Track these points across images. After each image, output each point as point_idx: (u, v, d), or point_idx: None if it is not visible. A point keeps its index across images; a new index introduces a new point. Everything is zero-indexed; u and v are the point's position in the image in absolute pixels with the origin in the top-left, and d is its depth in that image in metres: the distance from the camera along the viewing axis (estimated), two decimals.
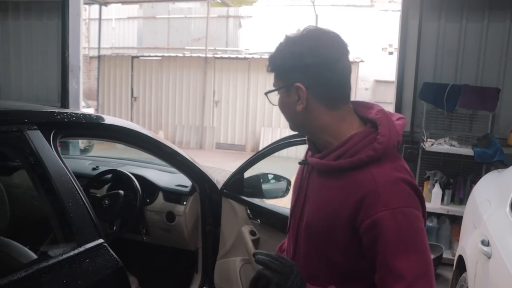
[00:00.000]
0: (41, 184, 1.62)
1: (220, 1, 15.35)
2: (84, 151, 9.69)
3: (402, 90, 5.20)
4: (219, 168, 4.78)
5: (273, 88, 1.34)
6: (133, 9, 18.49)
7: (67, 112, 1.88)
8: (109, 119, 2.14)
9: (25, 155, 1.60)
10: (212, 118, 12.83)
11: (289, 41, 1.28)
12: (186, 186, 2.85)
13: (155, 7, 18.40)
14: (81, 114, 1.98)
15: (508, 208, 2.38)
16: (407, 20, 5.16)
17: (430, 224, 4.81)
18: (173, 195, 2.82)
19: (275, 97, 1.36)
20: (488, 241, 2.36)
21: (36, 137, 1.64)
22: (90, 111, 11.10)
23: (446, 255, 4.56)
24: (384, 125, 1.24)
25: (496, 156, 4.37)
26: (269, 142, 10.61)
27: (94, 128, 2.06)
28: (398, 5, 14.38)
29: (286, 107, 1.33)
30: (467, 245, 2.79)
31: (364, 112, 1.34)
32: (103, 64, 13.97)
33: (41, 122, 1.71)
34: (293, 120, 1.34)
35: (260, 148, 10.71)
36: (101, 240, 1.71)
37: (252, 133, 12.44)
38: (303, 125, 1.33)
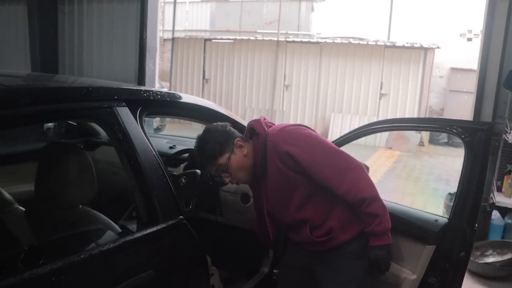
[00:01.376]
0: (127, 160, 1.68)
1: None
2: (157, 130, 10.01)
3: (485, 78, 4.90)
4: None
5: (223, 164, 2.07)
6: None
7: (153, 90, 1.94)
8: (191, 98, 2.18)
9: (114, 130, 1.66)
10: (282, 102, 12.81)
11: (204, 138, 2.05)
12: None
13: None
14: (166, 92, 2.03)
15: None
16: (494, 3, 4.85)
17: (509, 221, 4.55)
18: None
19: None
20: None
21: (125, 114, 1.69)
22: None
23: None
24: (254, 124, 2.09)
25: None
26: (339, 128, 10.50)
27: (178, 107, 2.10)
28: None
29: (239, 163, 2.08)
30: None
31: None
32: (176, 46, 14.29)
33: (129, 99, 1.77)
34: (245, 167, 2.08)
35: (329, 134, 10.59)
36: (181, 217, 1.75)
37: (322, 118, 12.31)
38: (251, 164, 2.12)
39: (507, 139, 4.42)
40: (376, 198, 1.92)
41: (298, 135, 1.99)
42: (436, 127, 2.49)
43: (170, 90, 14.20)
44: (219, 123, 2.03)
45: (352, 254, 2.04)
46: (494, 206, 4.51)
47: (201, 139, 1.99)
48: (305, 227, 2.03)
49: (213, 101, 13.48)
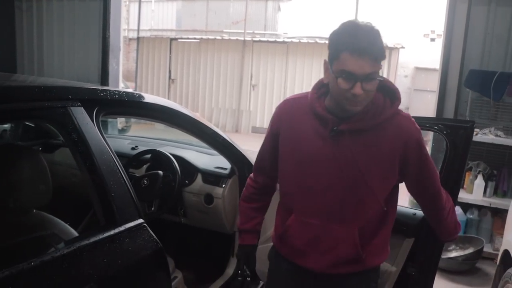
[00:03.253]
0: (83, 161, 1.62)
1: None
2: (122, 131, 9.84)
3: (447, 77, 5.00)
4: (256, 152, 4.75)
5: (376, 73, 1.52)
6: None
7: (110, 90, 1.88)
8: (151, 98, 2.13)
9: (69, 131, 1.60)
10: (248, 102, 12.80)
11: (381, 35, 1.52)
12: (225, 169, 2.82)
13: None
14: (124, 92, 1.97)
15: None
16: (454, 4, 4.94)
17: (471, 216, 4.66)
18: (212, 177, 2.79)
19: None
20: None
21: (80, 114, 1.63)
22: None
23: (487, 248, 4.42)
24: (394, 87, 1.70)
25: None
26: None
27: (137, 107, 2.04)
28: None
29: (375, 89, 1.57)
30: None
31: None
32: (142, 46, 14.10)
33: (85, 98, 1.70)
34: (370, 98, 1.57)
35: None
36: (141, 220, 1.70)
37: None
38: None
39: None
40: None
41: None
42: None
43: (135, 90, 14.00)
44: None
45: (375, 282, 1.84)
46: (456, 202, 4.60)
47: (377, 32, 1.50)
48: (352, 233, 1.68)
49: (179, 101, 13.47)
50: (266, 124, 12.59)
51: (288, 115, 1.74)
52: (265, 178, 1.92)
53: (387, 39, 11.97)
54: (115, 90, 1.89)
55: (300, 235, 1.74)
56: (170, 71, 13.85)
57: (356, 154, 1.61)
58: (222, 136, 2.54)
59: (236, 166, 2.68)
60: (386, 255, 1.82)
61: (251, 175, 1.99)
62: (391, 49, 11.62)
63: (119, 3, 6.39)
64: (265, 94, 12.62)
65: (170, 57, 13.83)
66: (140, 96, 2.08)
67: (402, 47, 11.90)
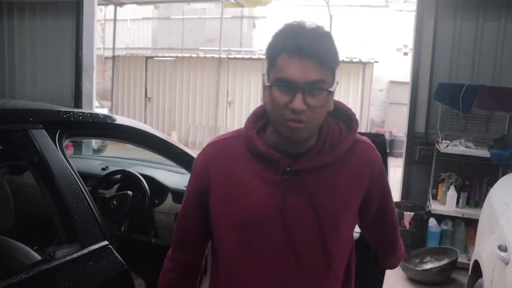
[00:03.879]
0: (45, 184, 1.60)
1: (234, 2, 15.33)
2: (98, 151, 9.74)
3: (417, 90, 5.12)
4: None
5: (331, 83, 1.19)
6: (148, 10, 18.55)
7: (74, 111, 1.86)
8: (117, 119, 2.12)
9: (30, 154, 1.58)
10: (225, 119, 12.82)
11: (334, 40, 1.21)
12: None
13: (170, 7, 18.46)
14: (88, 113, 1.96)
15: None
16: (422, 20, 5.08)
17: (445, 227, 4.71)
18: (183, 197, 2.77)
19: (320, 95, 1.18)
20: (506, 246, 2.28)
21: (41, 136, 1.62)
22: (104, 111, 11.16)
23: (461, 259, 4.47)
24: (353, 114, 1.34)
25: None
26: None
27: (102, 128, 2.03)
28: (413, 5, 14.20)
29: (326, 106, 1.21)
30: (484, 250, 2.71)
31: None
32: (117, 65, 14.06)
33: (46, 121, 1.69)
34: (321, 122, 1.24)
35: None
36: (105, 242, 1.68)
37: None
38: (318, 127, 1.25)
39: (439, 148, 4.59)
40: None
41: None
42: None
43: (111, 109, 13.93)
44: None
45: None
46: (430, 214, 4.66)
47: (324, 32, 1.19)
48: (324, 270, 1.31)
49: (155, 119, 13.43)
50: None
51: (218, 162, 1.31)
52: (190, 255, 1.47)
53: (361, 54, 12.18)
54: (79, 112, 1.88)
55: None
56: (146, 90, 13.80)
57: (318, 197, 1.25)
58: (191, 156, 2.53)
59: None
60: None
61: (169, 253, 1.50)
62: (365, 63, 11.81)
63: (92, 22, 6.37)
64: (242, 111, 12.66)
65: (146, 75, 13.80)
66: (105, 117, 2.07)
67: (376, 62, 12.09)
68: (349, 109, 1.34)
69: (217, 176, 1.29)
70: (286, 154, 1.24)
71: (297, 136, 1.18)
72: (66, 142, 1.68)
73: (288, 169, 1.23)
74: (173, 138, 12.61)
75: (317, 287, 1.30)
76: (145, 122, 13.79)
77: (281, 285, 1.27)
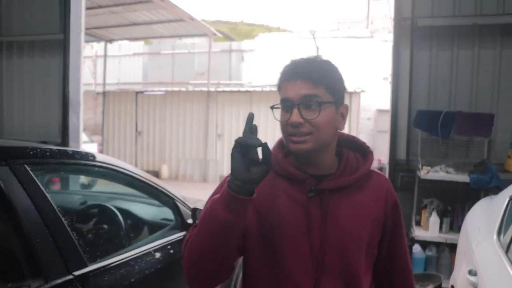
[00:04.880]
0: (9, 221, 1.62)
1: (222, 36, 15.61)
2: (88, 186, 9.73)
3: (397, 118, 5.21)
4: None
5: (316, 97, 1.29)
6: (139, 46, 18.83)
7: (41, 147, 1.90)
8: (87, 155, 2.15)
9: None
10: (215, 151, 12.87)
11: (332, 65, 1.37)
12: (171, 220, 2.84)
13: (159, 43, 18.75)
14: (56, 149, 1.99)
15: (495, 236, 2.33)
16: (399, 49, 5.20)
17: (430, 253, 4.72)
18: (158, 229, 2.80)
19: (312, 110, 1.29)
20: (476, 271, 2.31)
21: (5, 173, 1.65)
22: (93, 146, 11.19)
23: (446, 284, 4.44)
24: (365, 143, 1.48)
25: (492, 182, 4.32)
26: None
27: (70, 164, 2.06)
28: None
29: (330, 122, 1.32)
30: (459, 275, 2.73)
31: None
32: (108, 100, 14.18)
33: (12, 157, 1.72)
34: (326, 138, 1.33)
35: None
36: (70, 277, 1.69)
37: None
38: (329, 145, 1.36)
39: (420, 175, 4.64)
40: None
41: None
42: None
43: (101, 143, 13.96)
44: None
45: None
46: (414, 240, 4.68)
47: (321, 59, 1.36)
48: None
49: (146, 153, 13.47)
50: None
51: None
52: None
53: (348, 84, 12.33)
54: (47, 148, 1.91)
55: None
56: (136, 124, 13.88)
57: (340, 215, 1.33)
58: (162, 190, 2.57)
59: (176, 217, 2.71)
60: None
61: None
62: (352, 93, 11.97)
63: (79, 58, 6.47)
64: (231, 142, 12.65)
65: (136, 110, 13.90)
66: (74, 153, 2.11)
67: (363, 91, 12.27)
68: (364, 143, 1.48)
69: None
70: (311, 176, 1.35)
71: (299, 149, 1.29)
72: (48, 177, 1.71)
73: (313, 188, 1.33)
74: (164, 172, 12.61)
75: None
76: (135, 156, 13.83)
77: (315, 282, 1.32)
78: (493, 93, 4.97)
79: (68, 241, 1.79)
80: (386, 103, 13.94)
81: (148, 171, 13.58)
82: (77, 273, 1.78)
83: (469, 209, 4.61)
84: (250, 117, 1.23)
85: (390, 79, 13.78)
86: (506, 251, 2.20)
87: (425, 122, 4.85)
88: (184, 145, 13.28)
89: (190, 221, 2.74)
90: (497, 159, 4.87)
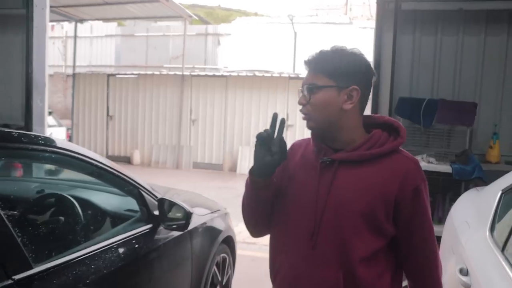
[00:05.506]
0: None
1: (198, 19, 15.21)
2: (55, 172, 9.33)
3: (378, 105, 5.01)
4: (191, 191, 4.51)
5: (312, 84, 1.50)
6: (112, 27, 18.26)
7: None
8: (45, 140, 1.88)
9: None
10: (189, 137, 12.55)
11: (342, 51, 1.52)
12: (136, 211, 2.57)
13: (134, 25, 18.24)
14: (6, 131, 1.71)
15: (487, 232, 2.15)
16: (381, 33, 5.00)
17: None
18: (121, 221, 2.54)
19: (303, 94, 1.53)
20: (467, 269, 2.12)
21: None
22: (61, 130, 10.76)
23: None
24: (400, 126, 1.58)
25: (475, 173, 4.18)
26: (247, 161, 10.39)
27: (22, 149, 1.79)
28: None
29: (327, 105, 1.49)
30: (446, 272, 2.55)
31: (366, 119, 1.60)
32: (78, 82, 13.68)
33: None
34: (329, 117, 1.50)
35: (238, 167, 10.45)
36: (9, 281, 1.43)
37: (230, 152, 12.17)
38: (335, 123, 1.51)
39: None
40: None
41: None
42: None
43: (71, 127, 13.51)
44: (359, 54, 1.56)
45: None
46: None
47: (334, 49, 1.53)
48: (335, 278, 1.47)
49: (118, 138, 13.06)
50: (207, 159, 12.38)
51: (292, 151, 1.63)
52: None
53: None
54: None
55: (286, 279, 1.56)
56: (108, 108, 13.44)
57: (343, 187, 1.48)
58: (126, 178, 2.31)
59: (144, 208, 2.45)
60: None
61: None
62: None
63: (43, 36, 6.07)
64: (205, 128, 12.43)
65: (108, 93, 13.45)
66: (21, 136, 1.82)
67: None
68: (401, 128, 1.57)
69: (288, 161, 1.57)
70: (332, 148, 1.53)
71: (307, 126, 1.54)
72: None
73: (325, 158, 1.51)
74: (136, 158, 12.25)
75: (323, 274, 1.48)
76: (106, 141, 13.42)
77: (296, 259, 1.53)
78: (476, 81, 4.85)
79: (7, 238, 1.52)
80: None
81: (119, 157, 13.26)
82: (18, 276, 1.52)
83: (450, 200, 4.50)
84: (274, 118, 1.47)
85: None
86: (502, 249, 2.01)
87: (407, 109, 4.69)
88: (157, 131, 12.91)
89: (157, 212, 2.48)
90: (479, 149, 4.75)
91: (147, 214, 2.49)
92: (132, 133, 13.16)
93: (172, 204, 2.48)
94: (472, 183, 4.44)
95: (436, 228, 4.07)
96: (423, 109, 4.59)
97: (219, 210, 3.67)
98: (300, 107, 1.53)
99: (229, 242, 3.61)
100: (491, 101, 4.81)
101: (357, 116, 1.54)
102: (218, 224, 3.45)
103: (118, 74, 13.81)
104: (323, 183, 1.49)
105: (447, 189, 4.65)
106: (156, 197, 2.54)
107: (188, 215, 2.44)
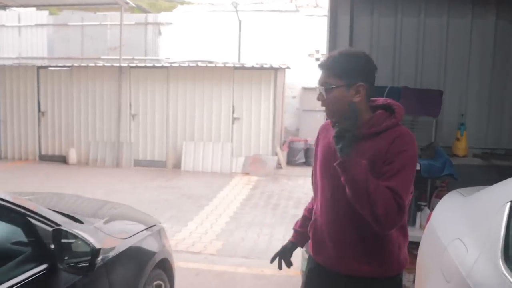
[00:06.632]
0: None
1: (135, 6, 14.26)
2: None
3: None
4: (126, 205, 3.86)
5: (326, 85, 1.93)
6: (42, 16, 16.91)
7: None
8: None
9: None
10: (129, 133, 11.69)
11: (347, 54, 1.94)
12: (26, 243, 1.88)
13: (72, 13, 16.99)
14: None
15: (500, 262, 1.62)
16: (336, 16, 4.46)
17: None
18: (4, 260, 1.84)
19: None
20: None
21: None
22: None
23: None
24: (397, 107, 1.97)
25: (446, 170, 3.71)
26: (192, 157, 9.73)
27: None
28: (323, 10, 13.93)
29: (339, 100, 1.91)
30: None
31: (371, 103, 2.01)
32: (3, 76, 12.50)
33: None
34: (337, 110, 1.92)
35: (182, 163, 9.81)
36: None
37: (173, 148, 11.41)
38: (348, 112, 1.87)
39: None
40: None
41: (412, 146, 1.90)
42: None
43: None
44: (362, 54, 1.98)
45: None
46: None
47: (342, 52, 1.95)
48: (348, 233, 1.96)
49: (51, 135, 12.04)
50: (149, 156, 11.59)
51: (320, 131, 2.18)
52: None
53: (273, 60, 11.61)
54: None
55: (313, 235, 2.11)
56: (39, 103, 12.34)
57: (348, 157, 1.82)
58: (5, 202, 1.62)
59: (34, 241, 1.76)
60: (396, 267, 1.96)
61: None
62: (277, 69, 11.22)
63: None
64: (147, 123, 11.59)
65: (38, 87, 12.34)
66: None
67: (288, 67, 11.56)
68: (396, 107, 1.97)
69: (319, 139, 2.18)
70: None
71: (327, 116, 2.02)
72: None
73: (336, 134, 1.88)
74: (72, 156, 11.29)
75: (344, 228, 1.96)
76: (39, 140, 12.38)
77: (323, 208, 2.04)
78: (440, 67, 4.43)
79: None
80: (312, 81, 13.48)
81: (54, 156, 12.22)
82: None
83: (416, 199, 4.04)
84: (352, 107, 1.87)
85: (315, 55, 13.24)
86: None
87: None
88: (94, 127, 11.93)
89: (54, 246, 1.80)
90: (444, 141, 4.32)
91: (41, 249, 1.80)
92: (67, 130, 12.15)
93: (73, 237, 1.80)
94: (439, 181, 4.02)
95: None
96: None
97: (153, 225, 3.02)
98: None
99: (165, 265, 2.95)
100: (456, 88, 4.41)
101: (364, 104, 1.94)
102: (150, 245, 2.80)
103: (49, 66, 12.69)
104: (336, 157, 1.84)
105: None
106: (56, 224, 1.85)
107: (94, 253, 1.78)
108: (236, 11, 14.16)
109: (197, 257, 5.21)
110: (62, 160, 12.00)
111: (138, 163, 11.55)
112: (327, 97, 1.90)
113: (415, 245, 4.18)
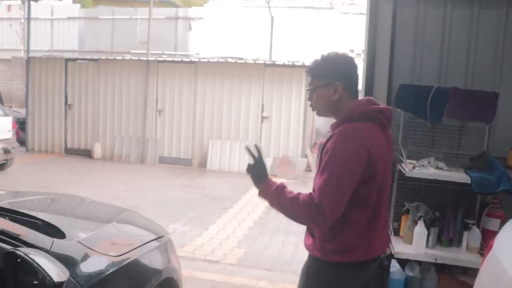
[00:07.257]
0: None
1: (167, 1, 14.01)
2: None
3: (372, 95, 3.98)
4: (136, 212, 3.49)
5: (310, 86, 2.20)
6: (74, 9, 16.88)
7: None
8: None
9: None
10: (154, 129, 11.44)
11: (327, 58, 2.18)
12: None
13: (99, 7, 16.91)
14: None
15: None
16: (376, 6, 3.98)
17: (411, 274, 3.59)
18: None
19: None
20: None
21: None
22: (7, 121, 9.48)
23: None
24: (355, 104, 2.15)
25: (502, 185, 3.19)
26: (218, 156, 9.33)
27: None
28: (359, 8, 13.39)
29: (323, 98, 2.15)
30: None
31: (370, 106, 2.19)
32: (33, 67, 12.45)
33: None
34: (328, 106, 2.16)
35: (208, 162, 9.38)
36: None
37: (200, 146, 11.09)
38: (334, 109, 2.16)
39: (403, 170, 3.45)
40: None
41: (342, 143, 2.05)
42: None
43: (26, 117, 12.32)
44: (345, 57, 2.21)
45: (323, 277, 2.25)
46: (392, 257, 3.51)
47: (326, 55, 2.19)
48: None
49: (77, 129, 11.82)
50: (174, 153, 11.31)
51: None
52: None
53: (305, 58, 11.13)
54: None
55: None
56: (66, 96, 12.21)
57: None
58: None
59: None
60: (342, 255, 2.14)
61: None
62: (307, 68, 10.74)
63: None
64: (173, 120, 11.30)
65: (66, 80, 12.21)
66: None
67: None
68: (347, 110, 2.15)
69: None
70: None
71: (316, 114, 2.28)
72: None
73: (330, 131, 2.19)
74: (97, 151, 11.08)
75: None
76: (65, 133, 12.27)
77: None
78: (495, 66, 3.88)
79: None
80: None
81: (79, 150, 12.04)
82: None
83: (463, 216, 3.54)
84: (248, 150, 2.19)
85: (350, 54, 12.72)
86: None
87: (410, 100, 3.68)
88: (120, 121, 11.73)
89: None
90: (497, 151, 3.77)
91: None
92: (93, 124, 11.99)
93: (29, 265, 1.40)
94: (491, 196, 3.50)
95: (444, 253, 3.04)
96: (431, 100, 3.60)
97: (160, 237, 2.63)
98: None
99: (170, 285, 2.54)
100: None
101: (348, 101, 2.15)
102: (154, 261, 2.41)
103: (78, 59, 12.54)
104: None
105: (458, 202, 3.68)
106: (13, 245, 1.45)
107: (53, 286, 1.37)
108: (269, 7, 13.74)
109: (215, 267, 4.80)
110: (87, 154, 11.85)
111: (163, 160, 11.28)
112: (312, 97, 2.16)
113: (459, 269, 3.71)
